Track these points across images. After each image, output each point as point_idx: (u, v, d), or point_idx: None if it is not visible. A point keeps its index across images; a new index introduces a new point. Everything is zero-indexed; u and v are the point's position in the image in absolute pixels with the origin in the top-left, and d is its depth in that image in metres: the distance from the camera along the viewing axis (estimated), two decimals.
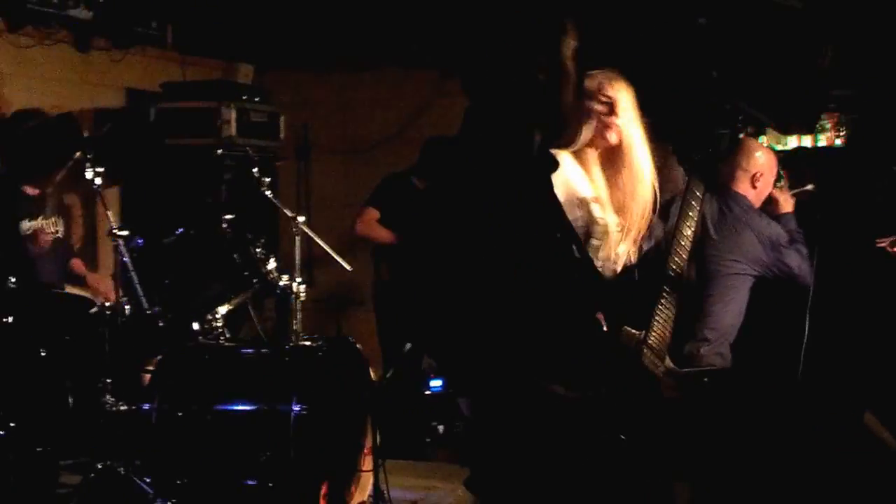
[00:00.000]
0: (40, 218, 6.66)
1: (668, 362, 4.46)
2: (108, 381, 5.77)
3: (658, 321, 4.42)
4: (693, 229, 4.89)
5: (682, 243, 4.83)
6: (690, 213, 4.90)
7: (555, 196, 3.26)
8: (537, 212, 3.11)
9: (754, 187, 5.82)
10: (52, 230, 6.71)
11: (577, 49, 3.24)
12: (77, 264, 7.04)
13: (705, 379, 5.07)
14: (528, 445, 3.08)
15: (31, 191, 6.61)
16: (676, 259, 4.77)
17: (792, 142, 7.89)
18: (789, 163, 6.68)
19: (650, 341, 4.37)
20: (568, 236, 3.21)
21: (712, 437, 4.95)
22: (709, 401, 5.06)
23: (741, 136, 5.90)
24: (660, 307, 4.45)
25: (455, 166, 3.22)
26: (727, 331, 5.60)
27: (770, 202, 5.91)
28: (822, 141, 7.92)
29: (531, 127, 3.20)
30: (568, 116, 3.29)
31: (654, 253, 4.92)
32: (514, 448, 3.10)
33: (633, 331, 4.39)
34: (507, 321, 3.00)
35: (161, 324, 6.38)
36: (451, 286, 3.09)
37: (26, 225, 6.54)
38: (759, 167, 5.83)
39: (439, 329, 3.24)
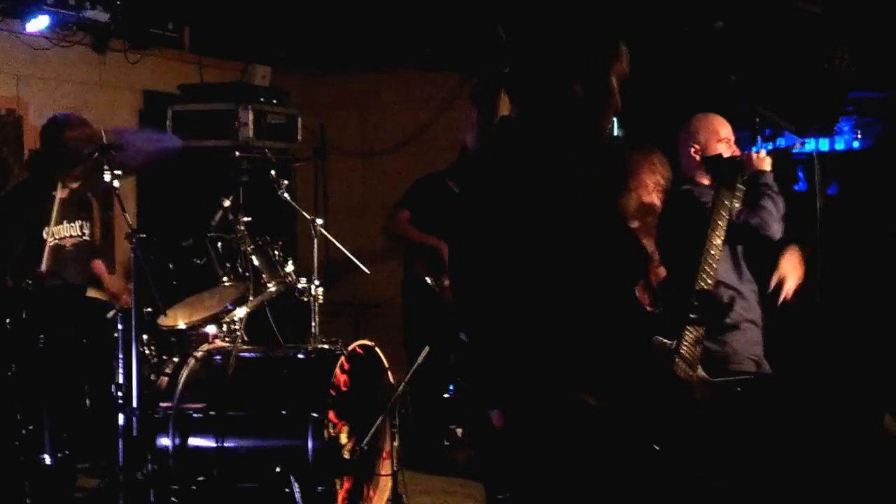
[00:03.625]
0: (65, 221, 6.67)
1: (700, 371, 4.44)
2: (125, 384, 5.77)
3: (689, 330, 4.40)
4: (722, 238, 4.86)
5: (713, 252, 4.81)
6: (720, 223, 4.87)
7: (582, 209, 3.23)
8: (564, 223, 3.09)
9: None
10: (78, 233, 6.71)
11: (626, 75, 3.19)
12: (98, 265, 7.05)
13: (738, 389, 5.03)
14: (560, 455, 3.06)
15: (60, 194, 6.62)
16: (707, 268, 4.75)
17: (810, 144, 7.84)
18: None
19: (682, 351, 4.35)
20: (594, 249, 3.19)
21: (744, 445, 4.92)
22: (741, 409, 5.03)
23: None
24: (691, 316, 4.43)
25: (484, 174, 3.19)
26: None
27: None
28: (840, 144, 7.87)
29: (559, 141, 3.17)
30: (600, 136, 3.23)
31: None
32: (547, 458, 3.08)
33: (665, 340, 4.37)
34: (539, 332, 2.98)
35: (178, 326, 6.40)
36: (483, 297, 3.07)
37: (48, 230, 6.55)
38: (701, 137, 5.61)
39: (472, 338, 3.21)
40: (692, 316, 4.42)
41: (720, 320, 4.71)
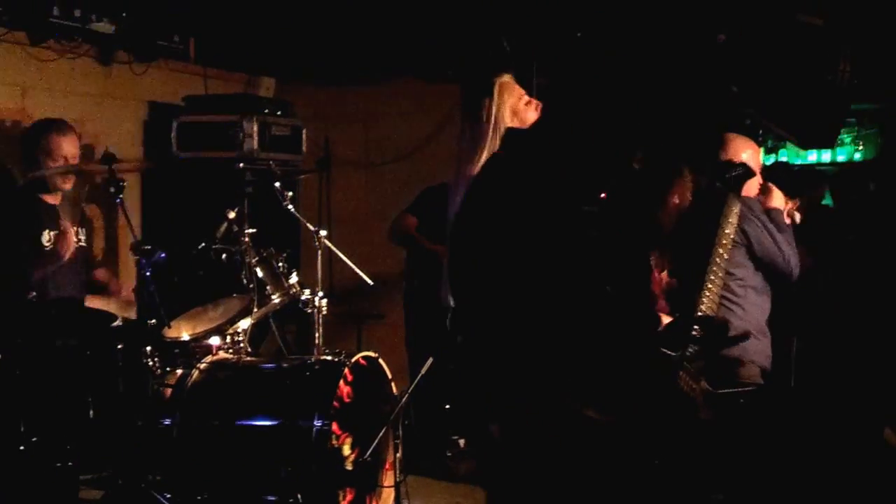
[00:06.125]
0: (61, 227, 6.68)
1: (704, 384, 4.43)
2: (130, 395, 5.78)
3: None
4: (730, 248, 4.86)
5: (719, 262, 4.80)
6: (727, 231, 4.87)
7: (591, 223, 3.24)
8: (566, 234, 3.09)
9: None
10: (73, 238, 6.73)
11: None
12: (100, 273, 7.07)
13: (741, 400, 5.02)
14: (561, 470, 3.07)
15: (51, 200, 6.64)
16: (713, 278, 4.75)
17: (811, 156, 7.85)
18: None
19: (685, 363, 4.34)
20: (598, 262, 3.19)
21: (748, 457, 4.92)
22: (746, 421, 5.03)
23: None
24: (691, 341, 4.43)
25: (495, 183, 3.19)
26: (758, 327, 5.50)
27: (763, 191, 5.74)
28: (842, 155, 7.88)
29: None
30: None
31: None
32: (547, 473, 3.09)
33: (669, 352, 4.36)
34: (541, 345, 2.98)
35: (182, 338, 6.40)
36: (484, 308, 3.07)
37: (46, 236, 6.57)
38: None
39: (474, 352, 3.21)
40: (692, 342, 4.42)
41: (719, 347, 4.71)
